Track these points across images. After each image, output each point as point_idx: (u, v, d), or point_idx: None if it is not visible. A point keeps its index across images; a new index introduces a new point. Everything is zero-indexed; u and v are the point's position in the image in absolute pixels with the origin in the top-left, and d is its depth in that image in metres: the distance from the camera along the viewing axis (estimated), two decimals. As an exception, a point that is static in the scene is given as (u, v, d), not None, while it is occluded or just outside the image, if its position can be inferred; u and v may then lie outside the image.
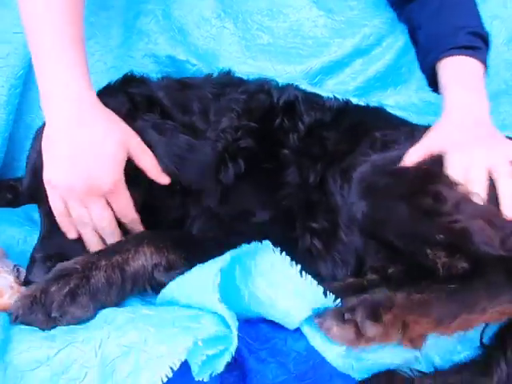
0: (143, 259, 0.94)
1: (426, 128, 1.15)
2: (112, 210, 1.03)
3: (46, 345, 0.81)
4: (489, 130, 1.10)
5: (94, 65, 1.34)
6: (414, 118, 1.35)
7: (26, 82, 1.30)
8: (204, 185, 1.11)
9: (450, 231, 0.94)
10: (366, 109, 1.32)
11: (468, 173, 0.99)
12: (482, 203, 0.96)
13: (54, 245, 1.05)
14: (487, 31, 1.27)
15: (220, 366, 0.78)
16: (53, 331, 0.85)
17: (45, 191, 1.03)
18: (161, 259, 0.95)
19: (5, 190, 1.34)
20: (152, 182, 1.07)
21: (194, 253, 0.92)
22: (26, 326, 0.86)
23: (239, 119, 1.17)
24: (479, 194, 0.97)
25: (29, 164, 1.12)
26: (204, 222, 1.11)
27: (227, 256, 0.84)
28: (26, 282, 0.98)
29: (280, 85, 1.29)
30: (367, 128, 1.21)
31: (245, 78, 1.30)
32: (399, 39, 1.43)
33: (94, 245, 1.03)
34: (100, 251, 0.97)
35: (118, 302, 0.93)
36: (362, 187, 1.04)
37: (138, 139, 1.04)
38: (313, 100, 1.27)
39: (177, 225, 1.12)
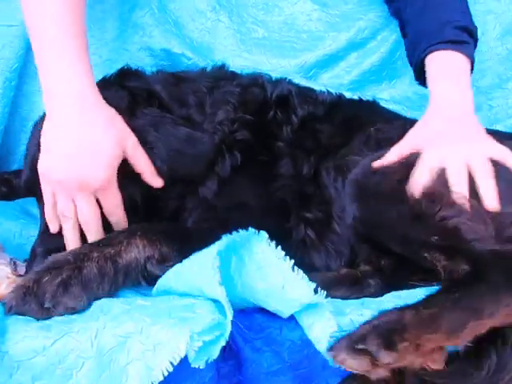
0: (136, 251, 0.94)
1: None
2: (101, 208, 1.03)
3: (42, 335, 0.81)
4: (470, 125, 1.10)
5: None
6: (408, 112, 1.36)
7: (21, 75, 1.31)
8: (203, 176, 1.12)
9: (443, 231, 0.95)
10: (359, 103, 1.32)
11: (445, 168, 1.00)
12: (464, 200, 0.97)
13: (54, 239, 1.05)
14: (475, 26, 1.28)
15: (215, 353, 0.78)
16: (48, 321, 0.85)
17: None
18: (154, 252, 0.96)
19: (0, 183, 1.34)
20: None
21: (187, 245, 0.92)
22: (22, 316, 0.86)
23: (235, 111, 1.18)
24: (458, 191, 0.97)
25: (28, 158, 1.12)
26: (200, 213, 1.11)
27: (223, 240, 0.85)
28: (26, 276, 0.99)
29: (274, 79, 1.29)
30: (361, 122, 1.22)
31: (239, 71, 1.31)
32: (394, 33, 1.43)
33: (71, 241, 1.02)
34: (92, 243, 0.97)
35: (112, 294, 0.93)
36: (354, 190, 1.05)
37: (135, 140, 1.04)
38: (306, 94, 1.27)
39: (173, 216, 1.12)
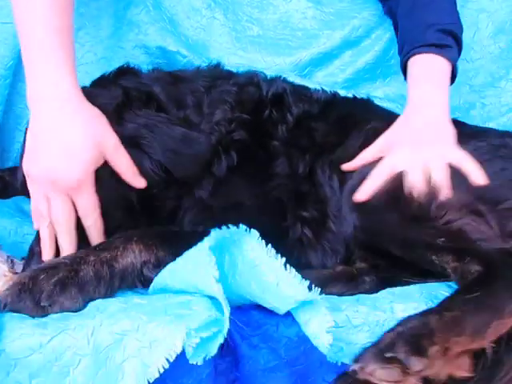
0: (132, 256, 0.95)
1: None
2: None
3: (39, 332, 0.81)
4: (439, 131, 1.12)
5: (84, 55, 1.35)
6: (402, 110, 1.37)
7: (15, 73, 1.30)
8: (199, 177, 1.12)
9: (449, 233, 0.96)
10: (354, 101, 1.33)
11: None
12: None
13: None
14: (461, 28, 1.28)
15: (213, 349, 0.79)
16: (44, 319, 0.85)
17: None
18: (150, 256, 0.96)
19: (-7, 181, 1.34)
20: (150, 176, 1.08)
21: (183, 249, 0.92)
22: (17, 314, 0.86)
23: (232, 111, 1.18)
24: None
25: (22, 157, 1.12)
26: (196, 214, 1.12)
27: (212, 235, 0.85)
28: (23, 273, 0.99)
29: (268, 77, 1.29)
30: (355, 120, 1.23)
31: (234, 70, 1.31)
32: (388, 31, 1.44)
33: (45, 242, 1.02)
34: (88, 248, 0.97)
35: (108, 296, 0.92)
36: (353, 199, 1.06)
37: (116, 141, 1.04)
38: (301, 92, 1.28)
39: (170, 216, 1.12)
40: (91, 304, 0.89)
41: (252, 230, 0.87)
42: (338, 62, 1.44)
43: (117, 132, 1.04)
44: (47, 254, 1.01)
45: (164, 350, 0.78)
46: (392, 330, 0.84)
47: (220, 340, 0.79)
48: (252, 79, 1.26)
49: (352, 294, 0.99)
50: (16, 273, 0.98)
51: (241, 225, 0.87)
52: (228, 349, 0.85)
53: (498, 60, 1.48)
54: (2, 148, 1.36)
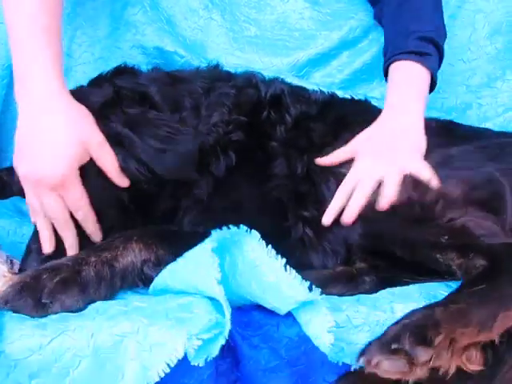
0: (132, 255, 0.95)
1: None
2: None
3: (38, 333, 0.81)
4: (410, 138, 1.14)
5: (81, 56, 1.35)
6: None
7: (12, 73, 1.29)
8: (187, 175, 1.11)
9: (452, 231, 0.96)
10: (351, 101, 1.33)
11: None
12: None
13: None
14: (444, 36, 1.29)
15: (215, 351, 0.79)
16: (44, 320, 0.85)
17: None
18: (150, 255, 0.96)
19: (-10, 181, 1.33)
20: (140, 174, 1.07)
21: (183, 248, 0.92)
22: (17, 315, 0.86)
23: (230, 114, 1.17)
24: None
25: None
26: (195, 214, 1.11)
27: (214, 236, 0.85)
28: (21, 272, 0.99)
29: (267, 78, 1.29)
30: (353, 121, 1.23)
31: (232, 70, 1.31)
32: (385, 32, 1.44)
33: (43, 235, 1.03)
34: (89, 249, 0.98)
35: (108, 298, 0.93)
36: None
37: (100, 139, 1.04)
38: (299, 93, 1.28)
39: (168, 216, 1.12)
40: (91, 306, 0.89)
41: (252, 230, 0.87)
42: (336, 62, 1.44)
43: (102, 130, 1.05)
44: (47, 247, 1.02)
45: (165, 354, 0.78)
46: (397, 322, 0.83)
47: (221, 341, 0.79)
48: (250, 81, 1.26)
49: (352, 294, 0.99)
50: (15, 273, 0.98)
51: (241, 225, 0.87)
52: (229, 349, 0.85)
53: (494, 60, 1.49)
54: (0, 148, 1.36)
